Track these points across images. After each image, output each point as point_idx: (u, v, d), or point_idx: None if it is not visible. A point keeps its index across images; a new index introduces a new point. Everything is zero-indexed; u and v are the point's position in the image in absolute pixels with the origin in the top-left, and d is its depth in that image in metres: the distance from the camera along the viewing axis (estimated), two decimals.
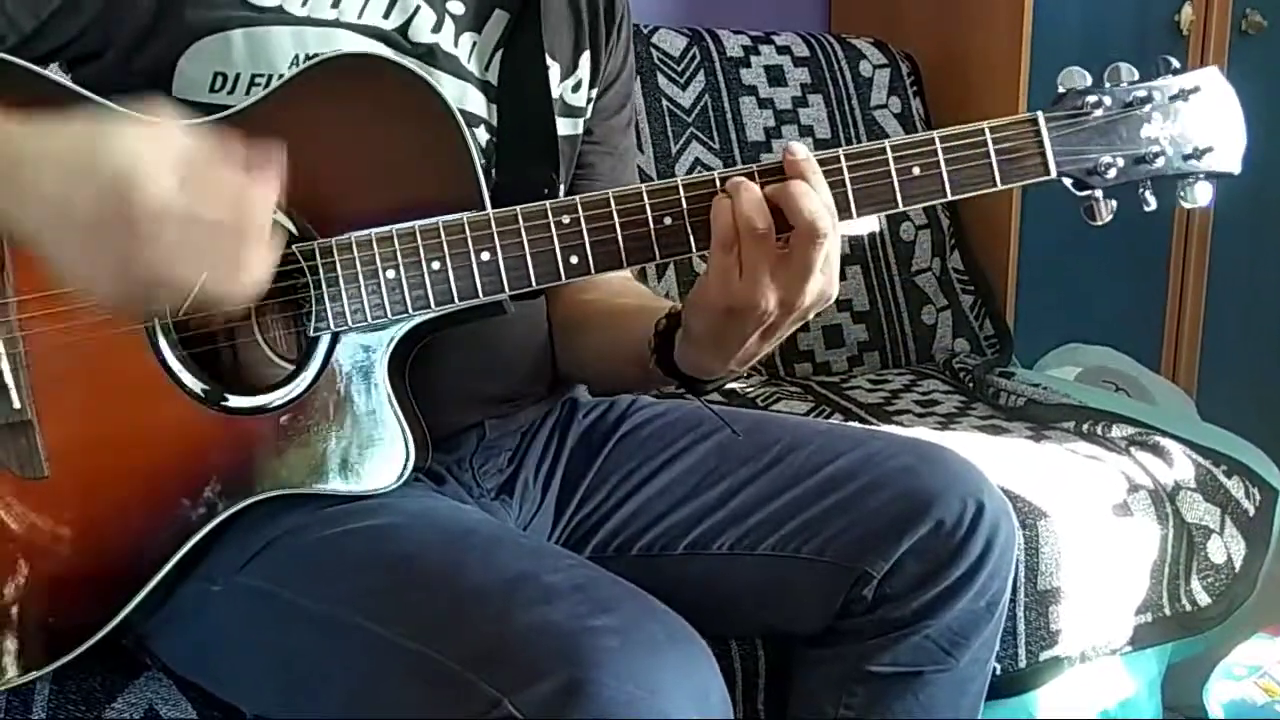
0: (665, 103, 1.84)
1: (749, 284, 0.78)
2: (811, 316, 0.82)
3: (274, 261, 0.74)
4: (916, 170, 0.85)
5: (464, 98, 0.93)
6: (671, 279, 1.76)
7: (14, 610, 0.83)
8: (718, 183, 0.82)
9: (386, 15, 0.90)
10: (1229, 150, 0.88)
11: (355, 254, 0.82)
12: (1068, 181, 0.88)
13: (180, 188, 0.68)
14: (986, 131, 0.85)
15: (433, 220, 0.82)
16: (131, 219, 0.67)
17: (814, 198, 0.78)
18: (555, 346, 1.05)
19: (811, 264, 0.78)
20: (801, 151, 0.80)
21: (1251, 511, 1.46)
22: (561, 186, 1.01)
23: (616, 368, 0.99)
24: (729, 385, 1.70)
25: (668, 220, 0.84)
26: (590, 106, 1.04)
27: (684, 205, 0.84)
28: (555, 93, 1.00)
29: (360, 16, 0.89)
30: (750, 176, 0.81)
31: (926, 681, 0.98)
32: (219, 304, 0.72)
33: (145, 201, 0.67)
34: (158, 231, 0.67)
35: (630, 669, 0.66)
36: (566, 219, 0.83)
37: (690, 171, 1.80)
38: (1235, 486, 1.46)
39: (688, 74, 1.87)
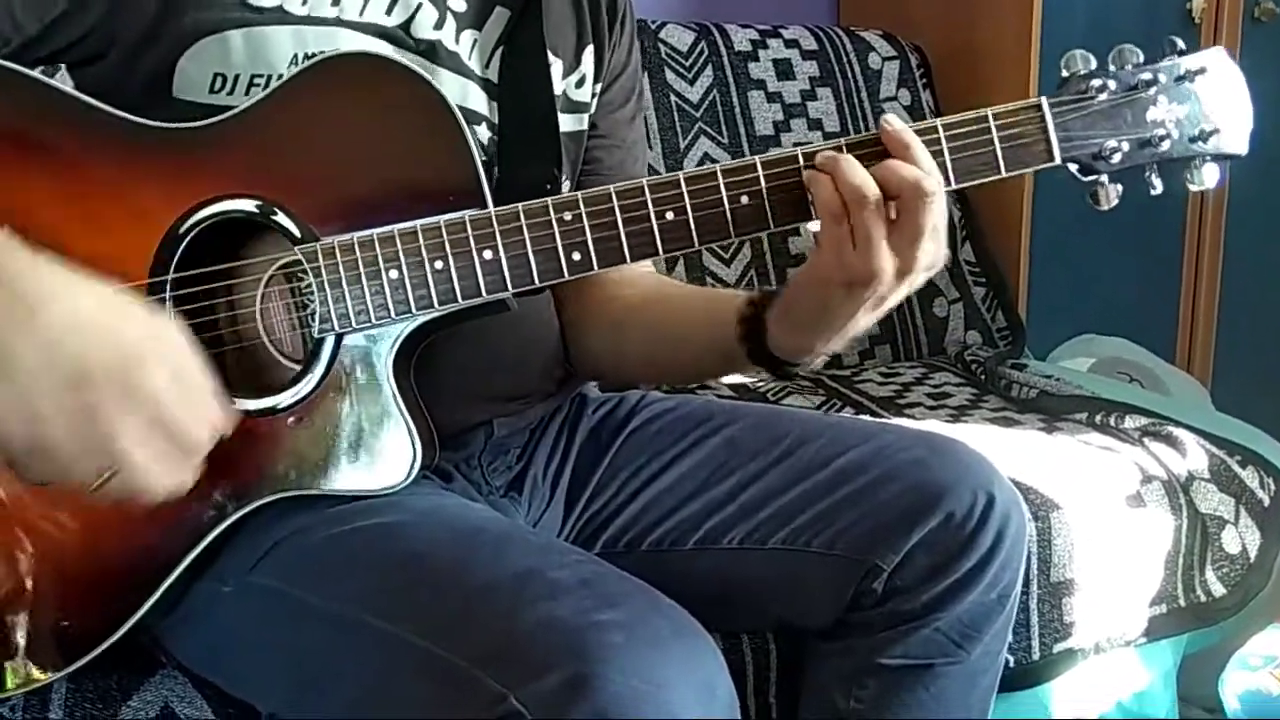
0: (673, 98, 1.84)
1: (864, 254, 0.79)
2: (920, 283, 0.83)
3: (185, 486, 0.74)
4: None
5: (465, 95, 0.94)
6: (681, 273, 1.76)
7: (29, 615, 0.83)
8: (800, 158, 0.82)
9: (389, 12, 0.90)
10: (1236, 131, 0.87)
11: (358, 254, 0.82)
12: (1073, 167, 0.87)
13: (176, 389, 0.69)
14: (990, 118, 0.85)
15: (434, 219, 0.82)
16: (126, 386, 0.67)
17: (920, 158, 0.79)
18: (596, 348, 1.05)
19: (923, 226, 0.79)
20: (896, 122, 0.81)
21: (1266, 501, 1.45)
22: (566, 183, 1.01)
23: (686, 360, 1.00)
24: (741, 380, 1.72)
25: (670, 215, 0.84)
26: (595, 101, 1.04)
27: (686, 200, 0.84)
28: (558, 89, 1.00)
29: (362, 14, 0.89)
30: (838, 150, 0.82)
31: (937, 674, 0.98)
32: (127, 493, 0.71)
33: (150, 379, 0.68)
34: (137, 412, 0.68)
35: (635, 664, 0.66)
36: (568, 215, 0.84)
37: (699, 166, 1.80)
38: (1250, 476, 1.45)
39: (695, 69, 1.87)
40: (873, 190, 0.79)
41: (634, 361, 1.05)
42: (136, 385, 0.68)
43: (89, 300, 0.69)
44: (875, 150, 0.82)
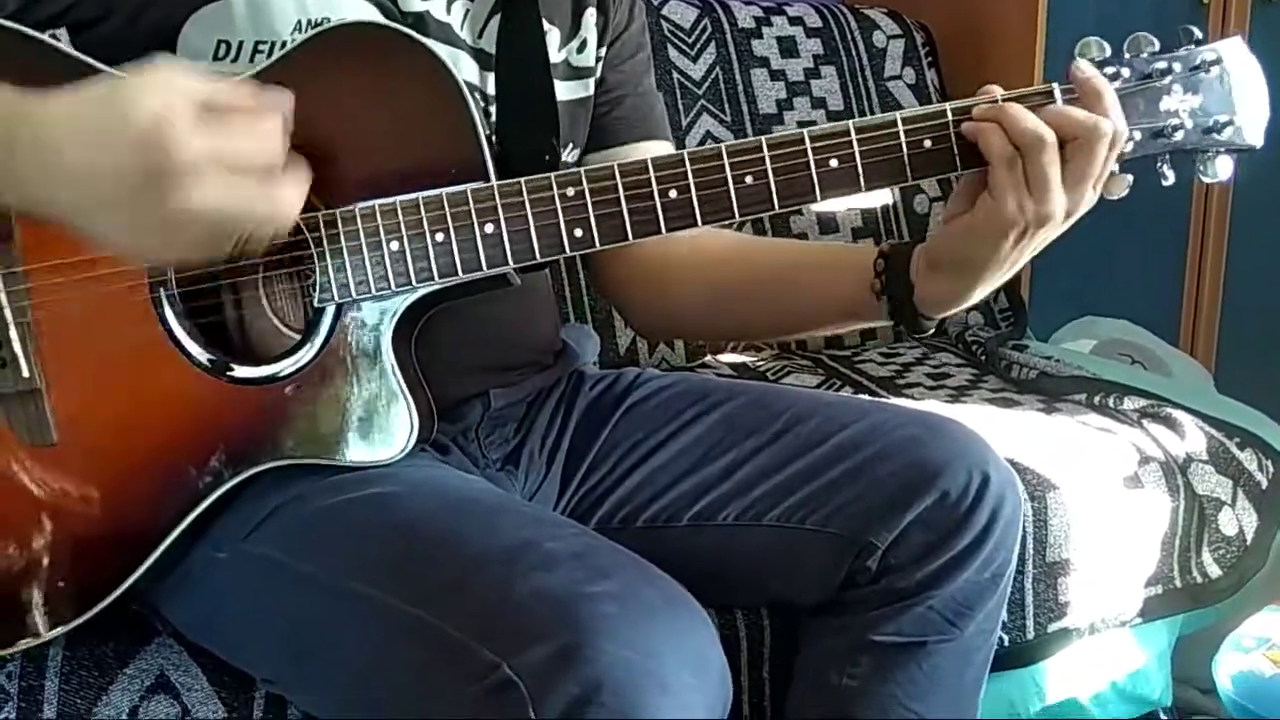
0: (676, 75, 1.83)
1: (1041, 196, 0.82)
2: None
3: (307, 184, 0.75)
4: (928, 144, 0.84)
5: (457, 66, 0.93)
6: None
7: (25, 574, 0.84)
8: (950, 113, 0.84)
9: None
10: (1252, 124, 0.86)
11: (359, 225, 0.82)
12: None
13: (203, 133, 0.68)
14: (1001, 103, 0.84)
15: (436, 192, 0.82)
16: (164, 175, 0.67)
17: (1110, 106, 0.82)
18: (645, 303, 1.08)
19: (1096, 165, 0.82)
20: (1089, 68, 0.84)
21: (1264, 484, 1.45)
22: (572, 152, 1.00)
23: (813, 321, 1.03)
24: (741, 359, 1.72)
25: (673, 194, 0.84)
26: (600, 65, 1.04)
27: (690, 179, 0.84)
28: (559, 57, 1.00)
29: None
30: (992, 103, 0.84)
31: (930, 651, 0.98)
32: (264, 240, 0.73)
33: (175, 155, 0.67)
34: (194, 182, 0.67)
35: (627, 634, 0.67)
36: (571, 191, 0.83)
37: (702, 144, 1.80)
38: (1248, 459, 1.45)
39: (698, 46, 1.86)
40: (1049, 133, 0.81)
41: (697, 318, 1.07)
42: (177, 157, 0.67)
43: (85, 106, 0.69)
44: (1037, 102, 0.84)
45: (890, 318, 0.94)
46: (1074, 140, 0.82)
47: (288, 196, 0.73)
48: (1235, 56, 0.86)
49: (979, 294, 0.89)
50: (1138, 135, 0.85)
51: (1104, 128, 0.81)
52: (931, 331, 0.95)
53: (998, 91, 0.84)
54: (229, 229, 0.71)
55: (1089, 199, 0.84)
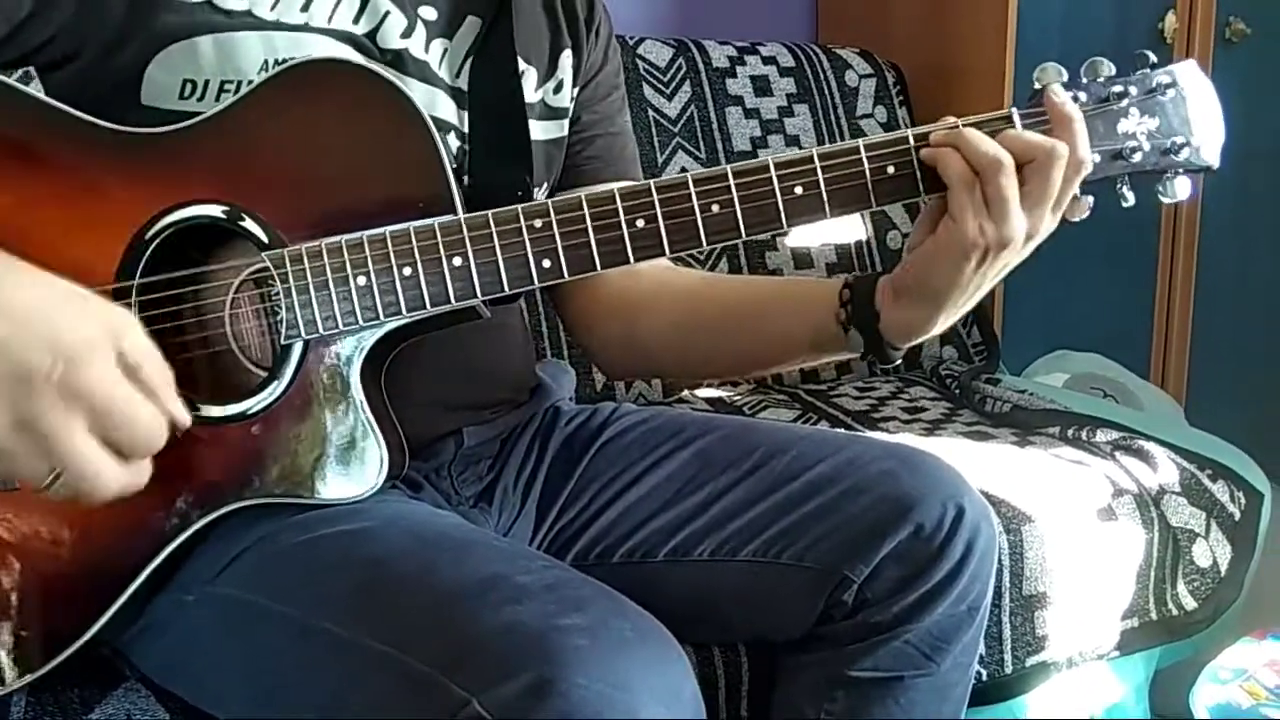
0: (651, 113, 1.84)
1: (1000, 218, 0.82)
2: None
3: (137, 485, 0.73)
4: (891, 169, 0.85)
5: (433, 104, 0.93)
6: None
7: None
8: (912, 139, 0.85)
9: (356, 20, 0.90)
10: (1208, 144, 0.88)
11: (325, 260, 0.81)
12: None
13: (113, 381, 0.68)
14: (961, 129, 0.85)
15: (404, 226, 0.82)
16: (69, 389, 0.66)
17: (1076, 136, 0.83)
18: (607, 339, 1.07)
19: (1054, 187, 0.83)
20: (1061, 93, 0.85)
21: (1237, 515, 1.46)
22: (543, 191, 1.01)
23: (780, 354, 1.01)
24: (718, 394, 1.72)
25: (640, 223, 0.84)
26: (574, 105, 1.05)
27: (657, 208, 0.84)
28: (535, 96, 1.00)
29: (330, 21, 0.89)
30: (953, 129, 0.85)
31: (907, 686, 0.98)
32: (63, 496, 0.69)
33: (95, 381, 0.67)
34: (67, 414, 0.66)
35: (600, 667, 0.66)
36: (539, 223, 0.83)
37: None
38: (1220, 490, 1.46)
39: (673, 84, 1.88)
40: (1006, 156, 0.82)
41: (664, 352, 1.06)
42: (78, 383, 0.66)
43: (34, 292, 0.68)
44: (996, 127, 0.85)
45: (857, 349, 0.94)
46: (1031, 163, 0.83)
47: (121, 483, 0.71)
48: (1190, 79, 0.88)
49: (944, 321, 0.89)
50: (1097, 157, 0.86)
51: (1059, 150, 0.82)
52: (899, 362, 0.95)
53: (957, 120, 0.85)
54: (55, 462, 0.68)
55: (1049, 222, 0.85)
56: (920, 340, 0.92)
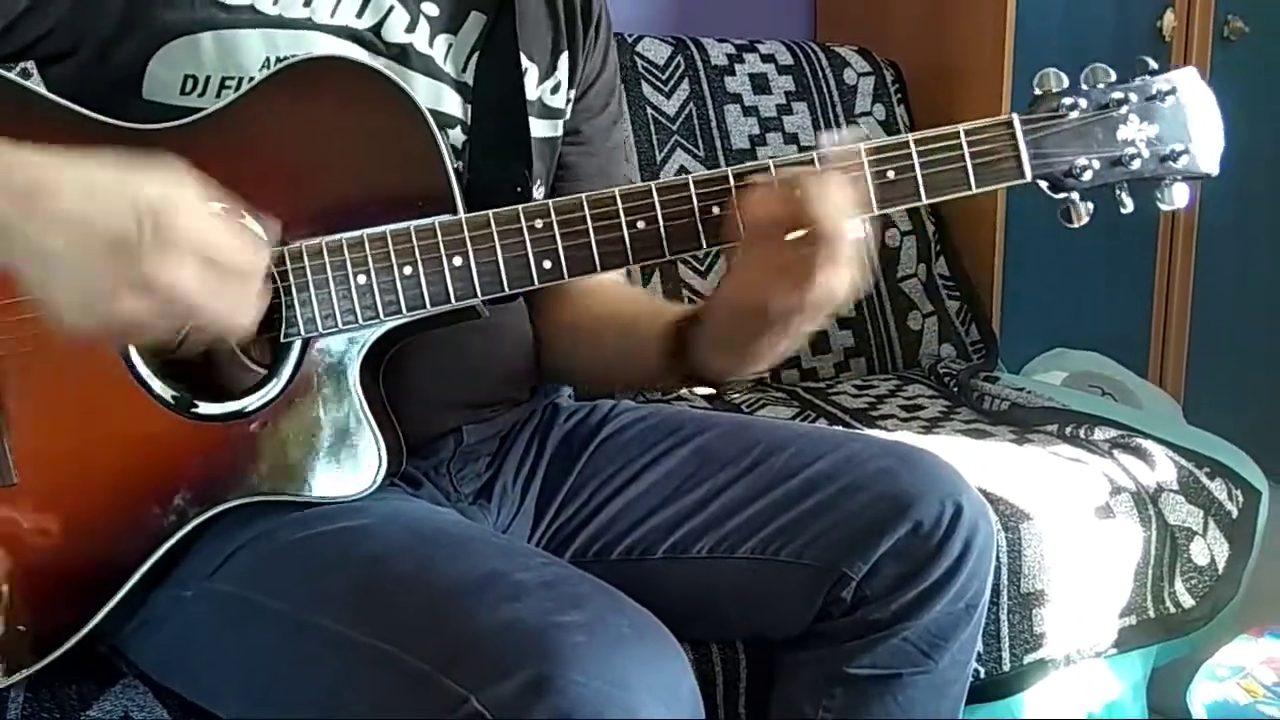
0: (649, 111, 1.84)
1: (767, 283, 0.80)
2: (832, 313, 0.83)
3: (264, 307, 0.76)
4: (891, 174, 0.85)
5: (439, 98, 0.94)
6: (657, 285, 1.76)
7: None
8: (731, 179, 0.83)
9: (359, 15, 0.90)
10: (1206, 152, 0.88)
11: (326, 259, 0.82)
12: (1044, 184, 0.88)
13: (201, 221, 0.70)
14: (962, 134, 0.85)
15: (404, 225, 0.82)
16: (150, 242, 0.68)
17: (829, 196, 0.79)
18: (557, 356, 1.05)
19: (835, 257, 0.79)
20: (829, 149, 0.82)
21: (1235, 513, 1.46)
22: (540, 188, 1.01)
23: (644, 371, 1.00)
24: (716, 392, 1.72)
25: (641, 225, 0.84)
26: (570, 108, 1.05)
27: (658, 210, 0.84)
28: (534, 94, 1.01)
29: (333, 16, 0.89)
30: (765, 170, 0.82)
31: (906, 683, 0.98)
32: (210, 339, 0.74)
33: (167, 229, 0.68)
34: (175, 259, 0.68)
35: (597, 664, 0.66)
36: (539, 223, 0.84)
37: None
38: (1218, 488, 1.46)
39: (672, 82, 1.88)
40: (774, 221, 0.79)
41: (589, 371, 1.06)
42: (172, 230, 0.68)
43: (90, 168, 0.70)
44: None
45: (688, 380, 0.94)
46: (812, 228, 0.78)
47: (248, 308, 0.74)
48: (1189, 86, 0.88)
49: (752, 365, 0.87)
50: (1096, 164, 0.86)
51: (835, 226, 0.78)
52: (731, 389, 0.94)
53: (772, 165, 0.83)
54: (182, 314, 0.71)
55: (838, 286, 0.80)
56: (742, 377, 0.91)
